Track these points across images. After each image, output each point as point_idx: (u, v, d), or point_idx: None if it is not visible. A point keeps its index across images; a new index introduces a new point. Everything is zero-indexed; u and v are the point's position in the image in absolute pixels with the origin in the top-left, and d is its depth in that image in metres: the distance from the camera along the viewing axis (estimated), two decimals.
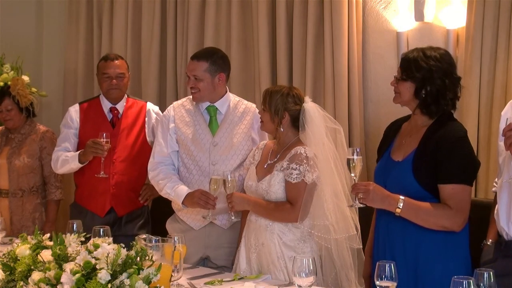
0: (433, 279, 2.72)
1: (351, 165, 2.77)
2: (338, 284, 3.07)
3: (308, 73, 4.19)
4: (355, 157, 2.76)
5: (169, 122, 3.50)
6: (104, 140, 3.64)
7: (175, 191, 3.35)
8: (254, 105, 3.58)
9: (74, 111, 3.99)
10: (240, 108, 3.51)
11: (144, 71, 4.90)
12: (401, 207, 2.69)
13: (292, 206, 3.02)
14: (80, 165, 3.81)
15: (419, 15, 3.91)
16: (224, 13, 4.55)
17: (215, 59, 3.42)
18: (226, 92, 3.52)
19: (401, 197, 2.70)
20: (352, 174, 2.79)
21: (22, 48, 5.12)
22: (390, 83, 2.90)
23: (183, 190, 3.33)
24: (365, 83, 4.17)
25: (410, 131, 2.87)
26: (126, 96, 4.00)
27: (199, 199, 3.23)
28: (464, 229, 2.78)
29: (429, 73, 2.74)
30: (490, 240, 2.81)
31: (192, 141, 3.42)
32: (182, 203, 3.32)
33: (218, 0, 4.56)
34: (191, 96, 3.53)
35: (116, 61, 3.90)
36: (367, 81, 4.17)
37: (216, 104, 3.47)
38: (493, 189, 2.93)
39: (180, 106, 3.54)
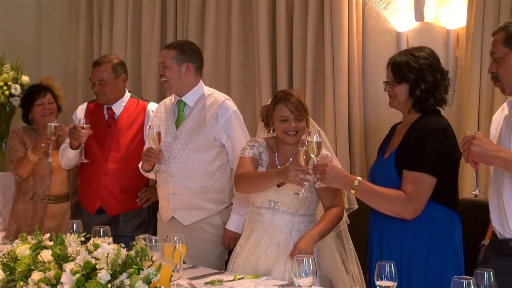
0: (418, 277, 2.75)
1: (310, 147, 2.82)
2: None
3: (308, 73, 4.19)
4: (314, 139, 2.81)
5: (149, 121, 3.72)
6: (83, 126, 3.71)
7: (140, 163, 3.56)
8: (223, 98, 3.53)
9: (80, 109, 4.07)
10: (208, 102, 3.51)
11: (144, 71, 4.90)
12: (355, 188, 2.77)
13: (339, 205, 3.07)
14: (74, 151, 3.84)
15: (419, 15, 3.91)
16: (224, 13, 4.56)
17: (184, 49, 3.49)
18: (197, 85, 3.53)
19: (358, 178, 2.80)
20: (312, 155, 2.83)
21: (22, 48, 5.12)
22: (384, 90, 2.92)
23: None
24: (365, 83, 4.17)
25: (399, 130, 2.94)
26: (129, 96, 4.00)
27: (144, 155, 3.44)
28: (454, 228, 2.81)
29: (420, 72, 2.81)
30: (488, 241, 2.82)
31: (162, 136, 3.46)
32: (142, 168, 3.55)
33: (218, 0, 4.56)
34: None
35: (100, 67, 3.90)
36: (367, 81, 4.17)
37: (184, 98, 3.51)
38: None
39: (162, 104, 3.66)
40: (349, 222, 3.22)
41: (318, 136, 2.82)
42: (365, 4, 4.15)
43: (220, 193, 3.48)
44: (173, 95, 3.58)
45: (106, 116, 3.96)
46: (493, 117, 2.85)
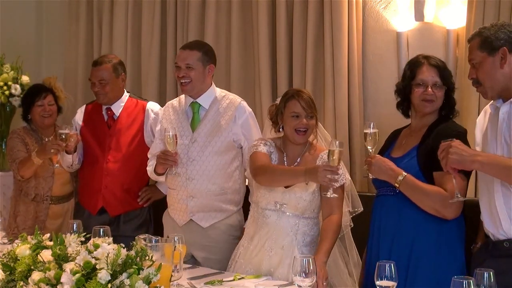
0: (424, 275, 2.77)
1: (367, 138, 2.91)
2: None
3: (308, 73, 4.19)
4: (370, 130, 2.89)
5: (157, 123, 3.66)
6: (64, 132, 3.72)
7: (151, 166, 3.54)
8: (239, 99, 3.54)
9: (79, 112, 4.07)
10: (223, 103, 3.50)
11: (144, 71, 4.90)
12: (400, 181, 2.78)
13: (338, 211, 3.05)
14: (68, 156, 3.86)
15: (419, 15, 3.91)
16: (224, 13, 4.56)
17: (207, 50, 3.51)
18: (211, 86, 3.53)
19: (404, 172, 2.79)
20: (369, 147, 2.90)
21: (22, 48, 5.13)
22: (424, 94, 2.89)
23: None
24: (365, 83, 4.17)
25: (410, 133, 2.97)
26: (127, 95, 4.00)
27: (160, 158, 3.38)
28: (462, 229, 2.83)
29: (451, 77, 2.94)
30: (479, 243, 2.84)
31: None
32: (155, 171, 3.49)
33: (218, 0, 4.56)
34: (182, 96, 3.57)
35: (100, 66, 3.89)
36: (367, 81, 4.17)
37: (199, 100, 3.49)
38: None
39: (169, 106, 3.62)
40: (352, 225, 3.21)
41: (373, 127, 2.90)
42: (365, 4, 4.15)
43: (237, 194, 3.49)
44: (182, 96, 3.57)
45: (106, 117, 3.96)
46: (477, 120, 2.90)
